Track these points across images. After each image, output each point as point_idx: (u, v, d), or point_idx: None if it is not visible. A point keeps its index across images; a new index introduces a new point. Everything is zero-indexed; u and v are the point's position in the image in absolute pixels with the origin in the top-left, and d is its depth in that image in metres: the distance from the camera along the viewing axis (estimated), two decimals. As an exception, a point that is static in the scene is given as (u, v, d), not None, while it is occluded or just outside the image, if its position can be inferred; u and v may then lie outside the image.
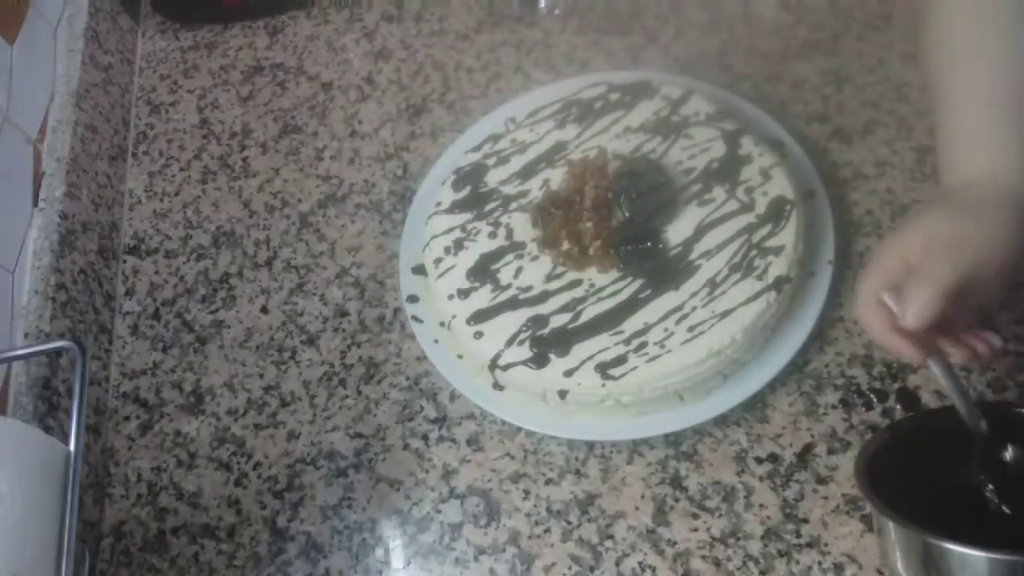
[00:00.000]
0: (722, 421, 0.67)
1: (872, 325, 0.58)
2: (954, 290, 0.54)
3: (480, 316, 0.70)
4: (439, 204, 0.77)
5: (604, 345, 0.67)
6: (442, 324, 0.73)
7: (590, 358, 0.67)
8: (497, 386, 0.70)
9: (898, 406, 0.66)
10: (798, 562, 0.62)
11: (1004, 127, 0.57)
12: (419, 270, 0.76)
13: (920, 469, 0.57)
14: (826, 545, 0.62)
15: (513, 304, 0.70)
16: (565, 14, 0.93)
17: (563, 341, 0.68)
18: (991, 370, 0.66)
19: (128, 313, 0.83)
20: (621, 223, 0.71)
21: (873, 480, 0.56)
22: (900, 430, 0.59)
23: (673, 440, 0.68)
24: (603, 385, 0.66)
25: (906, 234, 0.57)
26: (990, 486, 0.56)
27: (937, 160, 0.60)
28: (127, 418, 0.77)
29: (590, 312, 0.69)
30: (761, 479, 0.65)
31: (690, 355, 0.65)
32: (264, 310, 0.80)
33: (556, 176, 0.76)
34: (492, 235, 0.74)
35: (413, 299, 0.76)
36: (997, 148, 0.57)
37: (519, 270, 0.72)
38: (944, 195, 0.58)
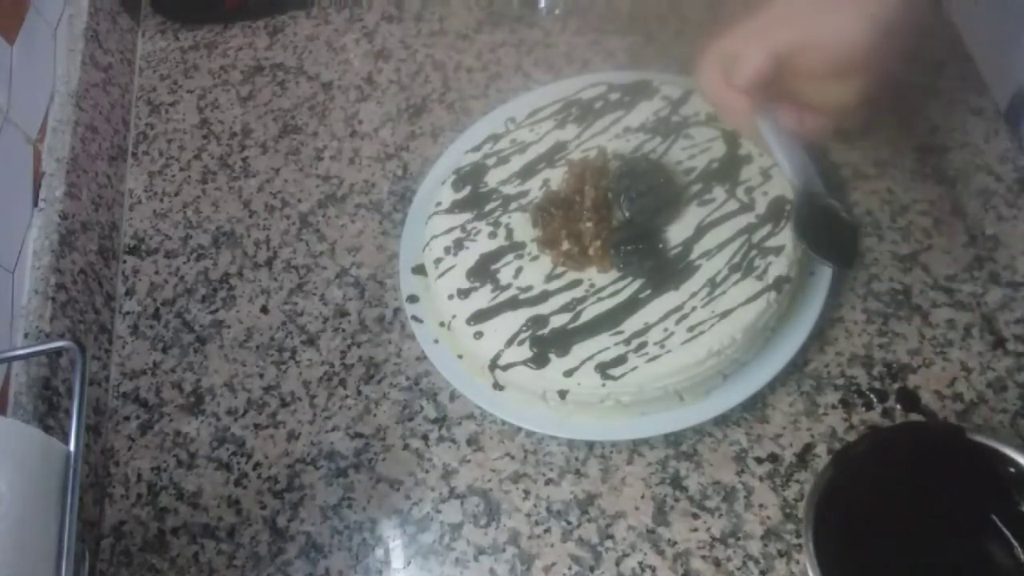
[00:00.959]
0: (722, 421, 0.67)
1: (707, 81, 0.61)
2: (784, 52, 0.57)
3: (480, 316, 0.70)
4: (439, 204, 0.77)
5: (604, 345, 0.67)
6: (442, 324, 0.73)
7: (590, 358, 0.67)
8: (497, 386, 0.70)
9: (898, 406, 0.66)
10: (798, 562, 0.62)
11: None
12: (419, 270, 0.77)
13: (874, 495, 0.56)
14: (826, 545, 0.62)
15: (513, 304, 0.70)
16: (565, 14, 0.93)
17: (563, 341, 0.68)
18: (991, 370, 0.66)
19: (128, 313, 0.83)
20: (621, 223, 0.71)
21: (823, 520, 0.54)
22: (846, 458, 0.57)
23: (673, 440, 0.68)
24: (603, 385, 0.66)
25: (762, 7, 0.59)
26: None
27: None
28: (127, 418, 0.77)
29: (590, 312, 0.69)
30: (761, 479, 0.65)
31: (690, 355, 0.65)
32: (264, 310, 0.80)
33: (556, 176, 0.76)
34: (492, 235, 0.74)
35: (413, 299, 0.76)
36: None
37: (519, 270, 0.72)
38: None
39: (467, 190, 0.77)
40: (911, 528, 0.56)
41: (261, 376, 0.77)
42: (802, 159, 0.64)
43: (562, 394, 0.67)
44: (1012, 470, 0.53)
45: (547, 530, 0.66)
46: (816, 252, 0.63)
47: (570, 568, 0.64)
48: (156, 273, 0.85)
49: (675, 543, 0.64)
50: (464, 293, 0.72)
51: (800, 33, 0.58)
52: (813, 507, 0.54)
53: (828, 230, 0.63)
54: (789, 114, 0.62)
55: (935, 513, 0.56)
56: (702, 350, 0.65)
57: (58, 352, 0.71)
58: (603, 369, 0.66)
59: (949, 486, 0.56)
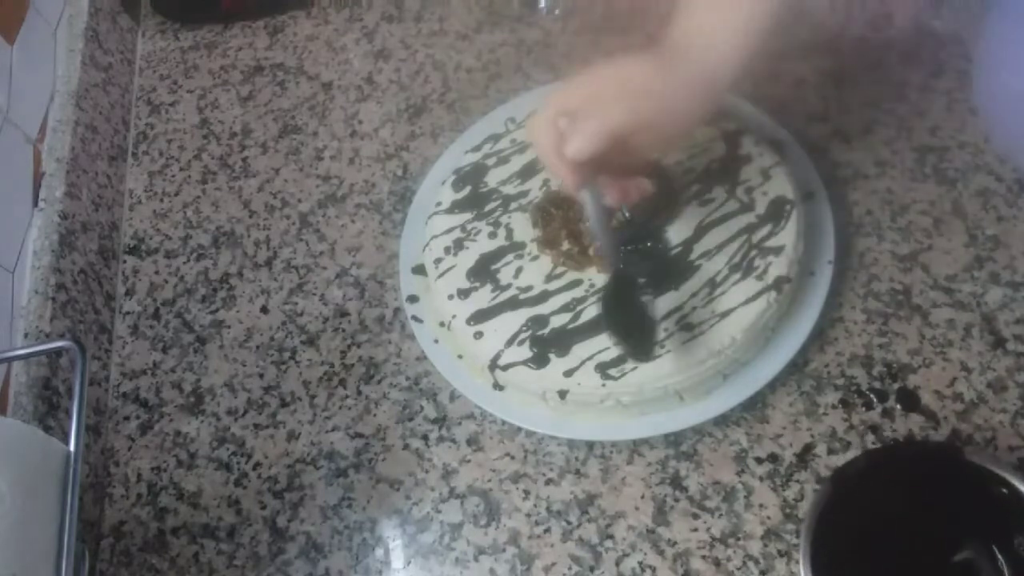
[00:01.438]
0: (722, 421, 0.67)
1: (539, 142, 0.60)
2: (621, 134, 0.57)
3: (480, 316, 0.70)
4: (439, 204, 0.77)
5: (604, 345, 0.67)
6: (442, 324, 0.73)
7: (590, 358, 0.67)
8: (497, 386, 0.70)
9: (898, 406, 0.66)
10: (798, 562, 0.62)
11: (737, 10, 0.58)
12: (419, 270, 0.76)
13: (870, 513, 0.56)
14: (826, 545, 0.62)
15: (513, 304, 0.70)
16: (565, 14, 0.93)
17: (563, 341, 0.68)
18: (991, 370, 0.66)
19: (128, 313, 0.83)
20: (621, 223, 0.71)
21: (822, 538, 0.54)
22: (844, 478, 0.57)
23: (673, 440, 0.68)
24: (603, 385, 0.66)
25: (605, 69, 0.59)
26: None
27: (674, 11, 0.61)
28: (127, 418, 0.77)
29: (590, 312, 0.69)
30: (761, 479, 0.65)
31: (690, 355, 0.65)
32: (264, 310, 0.80)
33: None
34: (492, 235, 0.74)
35: (413, 299, 0.76)
36: (721, 23, 0.58)
37: (519, 270, 0.72)
38: (656, 46, 0.59)
39: (467, 190, 0.77)
40: (905, 545, 0.56)
41: (261, 376, 0.77)
42: (615, 240, 0.66)
43: (562, 394, 0.67)
44: (1005, 491, 0.54)
45: (547, 530, 0.66)
46: (614, 335, 0.64)
47: (570, 568, 0.64)
48: (156, 273, 0.85)
49: (675, 543, 0.64)
50: (464, 293, 0.72)
51: (638, 114, 0.58)
52: (810, 527, 0.54)
53: (630, 316, 0.64)
54: (612, 189, 0.63)
55: (929, 529, 0.57)
56: (702, 350, 0.65)
57: (58, 352, 0.71)
58: (603, 369, 0.66)
59: (943, 504, 0.57)
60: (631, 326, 0.64)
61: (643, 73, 0.58)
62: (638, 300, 0.65)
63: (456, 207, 0.77)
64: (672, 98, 0.58)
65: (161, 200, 0.89)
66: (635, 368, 0.65)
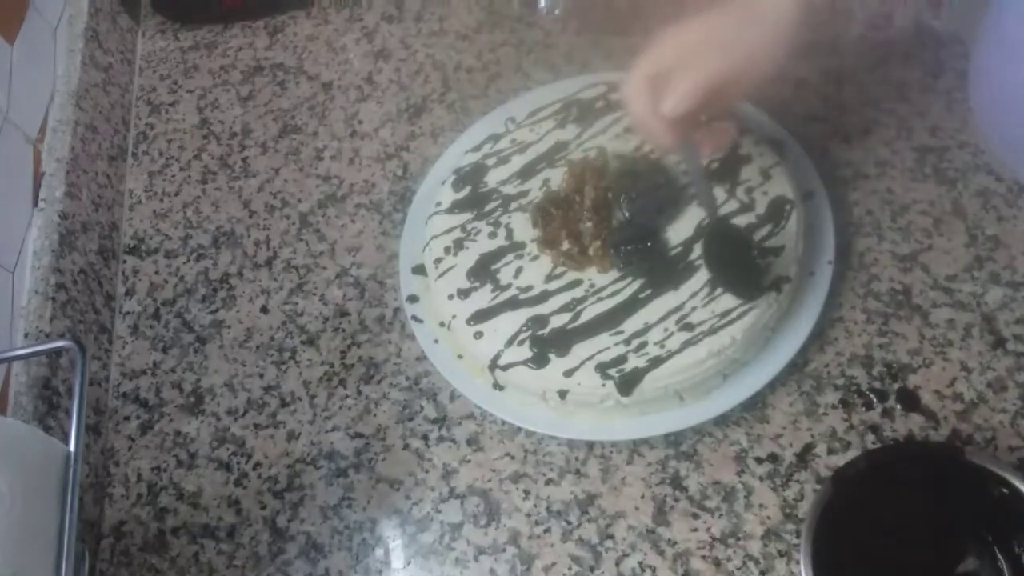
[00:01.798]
0: (722, 421, 0.67)
1: (635, 106, 0.61)
2: (717, 86, 0.59)
3: (480, 316, 0.70)
4: (439, 204, 0.77)
5: (604, 345, 0.67)
6: (442, 324, 0.73)
7: (590, 358, 0.67)
8: (497, 386, 0.70)
9: (898, 406, 0.66)
10: (798, 562, 0.62)
11: None
12: (419, 270, 0.76)
13: (871, 513, 0.57)
14: (826, 545, 0.62)
15: (513, 304, 0.70)
16: (565, 14, 0.93)
17: (563, 341, 0.68)
18: (991, 370, 0.66)
19: (128, 313, 0.83)
20: (621, 223, 0.71)
21: (823, 538, 0.55)
22: (844, 478, 0.57)
23: (673, 440, 0.68)
24: (603, 385, 0.66)
25: (689, 25, 0.61)
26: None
27: None
28: (127, 418, 0.77)
29: (590, 312, 0.69)
30: (761, 479, 0.65)
31: (690, 355, 0.65)
32: (264, 310, 0.80)
33: (556, 176, 0.76)
34: (492, 235, 0.74)
35: (413, 299, 0.76)
36: None
37: (519, 270, 0.72)
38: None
39: (467, 190, 0.77)
40: (906, 545, 0.56)
41: (261, 376, 0.77)
42: (711, 189, 0.68)
43: (562, 394, 0.67)
44: (1005, 491, 0.54)
45: (547, 530, 0.66)
46: (722, 282, 0.66)
47: (570, 568, 0.64)
48: (156, 273, 0.85)
49: (675, 543, 0.64)
50: (464, 293, 0.72)
51: (731, 63, 0.60)
52: (811, 527, 0.54)
53: (736, 265, 0.66)
54: (706, 139, 0.65)
55: (929, 529, 0.57)
56: (702, 350, 0.65)
57: (58, 352, 0.71)
58: (603, 369, 0.66)
59: (943, 504, 0.57)
60: (735, 271, 0.66)
61: (726, 24, 0.60)
62: (741, 244, 0.67)
63: (456, 207, 0.77)
64: (758, 44, 0.60)
65: (161, 200, 0.89)
66: (635, 368, 0.65)
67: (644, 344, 0.66)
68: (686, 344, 0.66)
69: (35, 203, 0.81)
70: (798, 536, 0.63)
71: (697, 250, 0.70)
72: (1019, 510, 0.54)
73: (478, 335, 0.70)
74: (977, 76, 0.66)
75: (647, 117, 0.61)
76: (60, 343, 0.68)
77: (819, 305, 0.69)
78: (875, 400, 0.67)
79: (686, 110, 0.60)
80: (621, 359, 0.66)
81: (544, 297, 0.70)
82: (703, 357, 0.65)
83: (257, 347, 0.78)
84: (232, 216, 0.87)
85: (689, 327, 0.66)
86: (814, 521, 0.54)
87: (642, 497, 0.66)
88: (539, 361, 0.68)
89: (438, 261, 0.74)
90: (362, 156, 0.88)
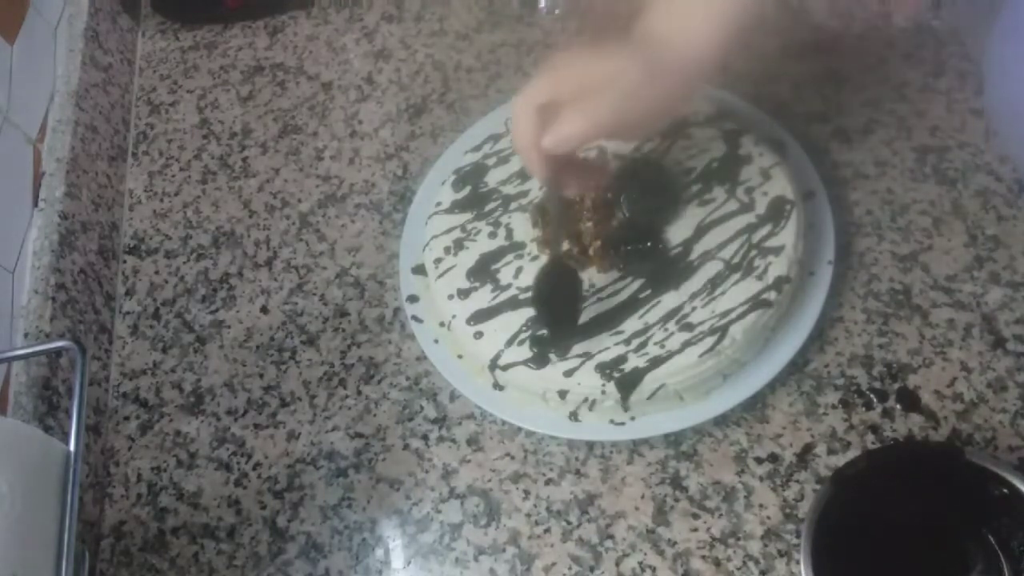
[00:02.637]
0: (722, 421, 0.67)
1: (517, 131, 0.60)
2: (605, 135, 0.59)
3: (480, 316, 0.70)
4: (439, 204, 0.77)
5: (604, 345, 0.67)
6: (442, 324, 0.73)
7: (590, 358, 0.67)
8: (497, 386, 0.70)
9: (898, 406, 0.66)
10: (798, 562, 0.62)
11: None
12: (419, 270, 0.76)
13: (871, 513, 0.57)
14: (826, 545, 0.62)
15: (513, 304, 0.70)
16: (565, 14, 0.93)
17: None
18: (991, 370, 0.66)
19: (128, 313, 0.83)
20: (621, 223, 0.71)
21: (822, 538, 0.55)
22: (844, 478, 0.57)
23: (673, 440, 0.68)
24: (603, 385, 0.66)
25: (591, 58, 0.59)
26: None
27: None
28: (127, 418, 0.77)
29: (590, 312, 0.69)
30: (761, 479, 0.65)
31: (690, 355, 0.65)
32: (264, 310, 0.80)
33: (556, 176, 0.76)
34: (492, 235, 0.74)
35: (413, 299, 0.76)
36: (701, 19, 0.57)
37: (519, 270, 0.72)
38: (643, 39, 0.58)
39: (467, 190, 0.77)
40: (906, 545, 0.56)
41: (261, 376, 0.77)
42: (562, 230, 0.69)
43: (562, 394, 0.67)
44: (1006, 491, 0.54)
45: (547, 530, 0.66)
46: (540, 313, 0.67)
47: (570, 568, 0.64)
48: (156, 273, 0.85)
49: (675, 543, 0.64)
50: (464, 293, 0.72)
51: (624, 118, 0.58)
52: (811, 527, 0.54)
53: (560, 303, 0.66)
54: (575, 182, 0.65)
55: (929, 530, 0.57)
56: (702, 350, 0.65)
57: (58, 352, 0.71)
58: (603, 369, 0.66)
59: (944, 504, 0.57)
60: (558, 315, 0.66)
61: (630, 72, 0.57)
62: (573, 296, 0.67)
63: (456, 207, 0.77)
64: (657, 99, 0.58)
65: (161, 200, 0.89)
66: (635, 368, 0.65)
67: (644, 344, 0.66)
68: (686, 344, 0.66)
69: (35, 203, 0.81)
70: (798, 536, 0.63)
71: (697, 250, 0.70)
72: (1019, 510, 0.54)
73: (478, 335, 0.70)
74: (992, 72, 0.65)
75: (527, 145, 0.59)
76: (60, 343, 0.68)
77: (819, 305, 0.69)
78: (875, 400, 0.67)
79: (567, 150, 0.59)
80: (621, 359, 0.66)
81: (544, 297, 0.70)
82: (703, 357, 0.65)
83: (257, 347, 0.78)
84: (232, 216, 0.87)
85: (689, 327, 0.66)
86: (814, 521, 0.54)
87: (642, 497, 0.66)
88: (539, 361, 0.67)
89: (438, 261, 0.74)
90: (362, 156, 0.88)
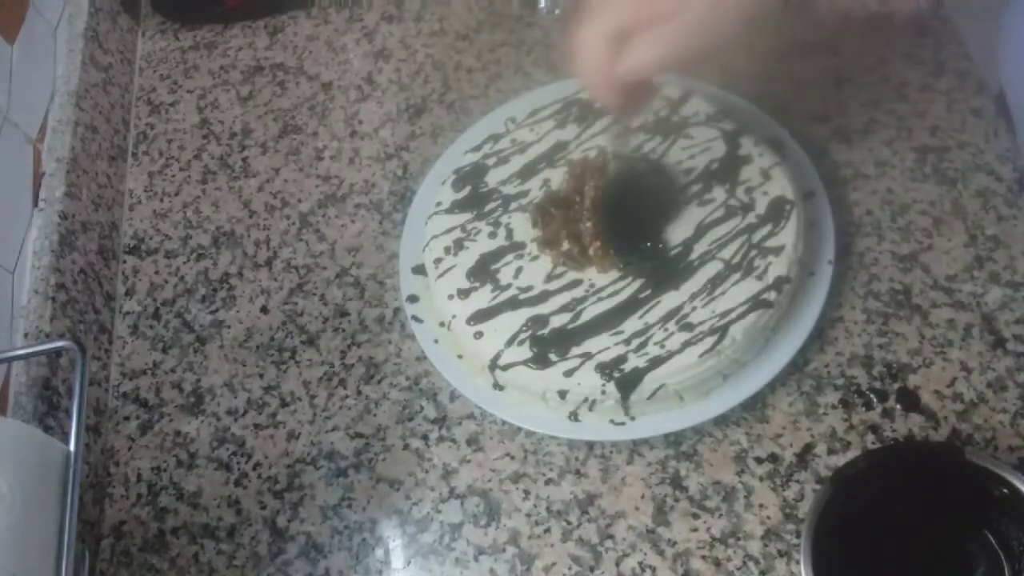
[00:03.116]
0: (722, 421, 0.67)
1: (588, 61, 0.57)
2: (680, 62, 0.55)
3: (480, 316, 0.70)
4: (439, 204, 0.77)
5: (604, 345, 0.67)
6: (442, 324, 0.73)
7: (590, 358, 0.67)
8: (497, 386, 0.70)
9: (898, 406, 0.66)
10: (798, 562, 0.62)
11: None
12: (419, 270, 0.76)
13: (871, 513, 0.57)
14: (826, 545, 0.62)
15: (513, 304, 0.70)
16: (565, 14, 0.93)
17: (563, 341, 0.68)
18: (991, 370, 0.66)
19: (128, 313, 0.83)
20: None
21: (821, 539, 0.55)
22: (844, 478, 0.57)
23: (673, 440, 0.68)
24: (603, 385, 0.66)
25: None
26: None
27: None
28: (127, 418, 0.77)
29: (590, 312, 0.69)
30: (761, 479, 0.65)
31: (690, 355, 0.65)
32: (264, 310, 0.80)
33: (556, 176, 0.76)
34: (492, 235, 0.74)
35: (413, 299, 0.76)
36: None
37: (519, 270, 0.72)
38: None
39: (467, 190, 0.77)
40: (906, 545, 0.56)
41: (261, 376, 0.77)
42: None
43: (562, 394, 0.67)
44: (1006, 491, 0.54)
45: (547, 530, 0.66)
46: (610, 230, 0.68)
47: (570, 568, 0.64)
48: (156, 273, 0.85)
49: (675, 543, 0.64)
50: (464, 293, 0.72)
51: (698, 39, 0.55)
52: (811, 527, 0.54)
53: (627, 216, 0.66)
54: (638, 107, 0.64)
55: (929, 530, 0.57)
56: (702, 350, 0.65)
57: (58, 352, 0.71)
58: (603, 369, 0.66)
59: (944, 504, 0.57)
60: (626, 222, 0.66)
61: None
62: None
63: (456, 207, 0.77)
64: (729, 20, 0.55)
65: (161, 200, 0.89)
66: (635, 368, 0.65)
67: (644, 344, 0.66)
68: (686, 344, 0.66)
69: (35, 203, 0.81)
70: (798, 536, 0.63)
71: (697, 250, 0.70)
72: (1019, 510, 0.54)
73: (478, 335, 0.70)
74: (1008, 68, 0.64)
75: (599, 76, 0.57)
76: (60, 343, 0.68)
77: (819, 305, 0.69)
78: (875, 400, 0.67)
79: (644, 77, 0.57)
80: (621, 359, 0.66)
81: (544, 297, 0.70)
82: (703, 357, 0.65)
83: (257, 347, 0.78)
84: (232, 216, 0.87)
85: (689, 327, 0.66)
86: (814, 521, 0.54)
87: (642, 497, 0.66)
88: (539, 361, 0.68)
89: (438, 261, 0.74)
90: (362, 156, 0.88)
